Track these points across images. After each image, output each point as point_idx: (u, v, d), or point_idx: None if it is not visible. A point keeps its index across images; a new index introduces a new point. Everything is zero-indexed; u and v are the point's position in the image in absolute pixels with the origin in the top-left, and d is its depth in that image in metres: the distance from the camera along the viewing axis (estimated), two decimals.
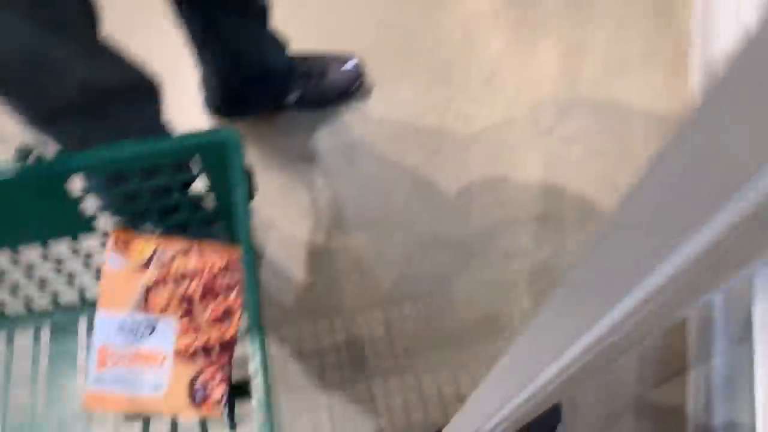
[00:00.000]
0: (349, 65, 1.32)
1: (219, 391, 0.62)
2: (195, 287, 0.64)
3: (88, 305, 0.74)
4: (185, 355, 0.62)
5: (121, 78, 0.72)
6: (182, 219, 0.69)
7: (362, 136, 1.36)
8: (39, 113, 0.67)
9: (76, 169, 0.55)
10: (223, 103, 1.21)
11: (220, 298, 0.64)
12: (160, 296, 0.63)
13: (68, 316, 0.73)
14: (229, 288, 0.64)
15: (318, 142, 1.35)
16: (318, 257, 1.24)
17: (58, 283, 0.73)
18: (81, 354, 0.71)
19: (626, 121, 1.38)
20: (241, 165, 0.53)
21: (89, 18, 0.66)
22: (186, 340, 0.62)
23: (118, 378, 0.61)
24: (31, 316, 0.74)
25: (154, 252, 0.65)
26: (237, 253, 0.65)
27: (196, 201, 0.69)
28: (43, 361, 0.72)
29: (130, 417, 0.65)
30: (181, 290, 0.64)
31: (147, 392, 0.61)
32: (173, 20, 1.07)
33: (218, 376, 0.62)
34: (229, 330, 0.63)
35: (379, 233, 1.27)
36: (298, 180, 1.32)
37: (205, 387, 0.62)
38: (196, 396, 0.61)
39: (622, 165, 1.33)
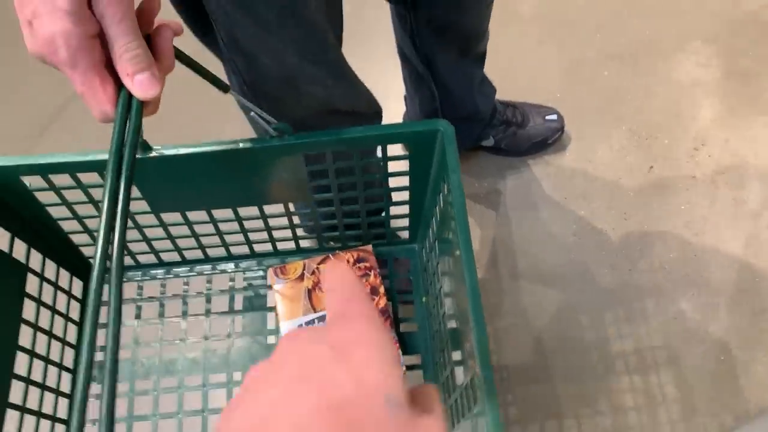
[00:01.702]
0: (550, 117, 1.32)
1: None
2: None
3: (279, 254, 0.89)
4: None
5: (352, 103, 0.81)
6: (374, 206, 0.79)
7: (550, 189, 1.30)
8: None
9: (309, 145, 0.66)
10: None
11: (363, 281, 0.79)
12: (320, 295, 0.79)
13: (258, 260, 0.90)
14: (367, 272, 0.80)
15: (504, 186, 1.30)
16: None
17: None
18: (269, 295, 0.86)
19: None
20: (455, 153, 0.63)
21: (339, 49, 0.76)
22: None
23: None
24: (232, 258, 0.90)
25: (304, 267, 0.81)
26: (365, 248, 0.82)
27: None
28: (238, 299, 0.87)
29: None
30: None
31: None
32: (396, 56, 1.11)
33: None
34: (380, 302, 0.78)
35: (549, 290, 1.21)
36: (475, 219, 1.28)
37: None
38: None
39: None
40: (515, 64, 1.46)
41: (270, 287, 0.84)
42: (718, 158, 1.31)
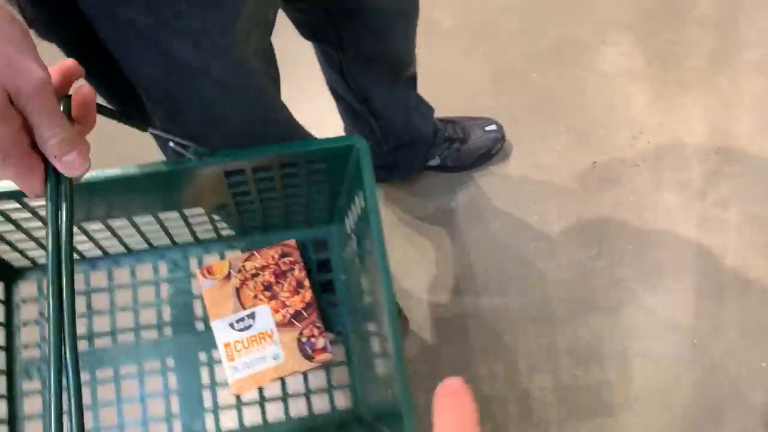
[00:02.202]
0: (489, 128, 1.32)
1: (321, 340, 0.82)
2: (268, 276, 0.83)
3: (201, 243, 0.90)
4: (284, 324, 0.82)
5: None
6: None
7: (501, 199, 1.30)
8: None
9: (230, 164, 0.68)
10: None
11: (289, 276, 0.84)
12: (248, 292, 0.83)
13: (183, 252, 0.91)
14: (292, 266, 0.84)
15: (456, 203, 1.30)
16: (445, 318, 1.20)
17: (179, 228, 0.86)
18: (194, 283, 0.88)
19: None
20: (370, 167, 0.65)
21: (285, 107, 0.77)
22: (280, 315, 0.82)
23: (247, 363, 0.80)
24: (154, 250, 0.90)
25: (230, 265, 0.84)
26: (288, 242, 0.85)
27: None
28: (164, 288, 0.89)
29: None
30: (259, 282, 0.83)
31: (272, 363, 0.81)
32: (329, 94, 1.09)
33: (315, 330, 0.82)
34: (306, 295, 0.83)
35: (511, 298, 1.21)
36: (431, 240, 1.28)
37: (310, 341, 0.82)
38: (307, 350, 0.81)
39: None
40: (445, 78, 1.44)
41: (198, 280, 0.87)
42: (656, 143, 1.33)
